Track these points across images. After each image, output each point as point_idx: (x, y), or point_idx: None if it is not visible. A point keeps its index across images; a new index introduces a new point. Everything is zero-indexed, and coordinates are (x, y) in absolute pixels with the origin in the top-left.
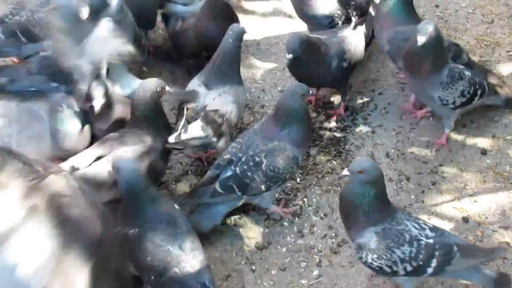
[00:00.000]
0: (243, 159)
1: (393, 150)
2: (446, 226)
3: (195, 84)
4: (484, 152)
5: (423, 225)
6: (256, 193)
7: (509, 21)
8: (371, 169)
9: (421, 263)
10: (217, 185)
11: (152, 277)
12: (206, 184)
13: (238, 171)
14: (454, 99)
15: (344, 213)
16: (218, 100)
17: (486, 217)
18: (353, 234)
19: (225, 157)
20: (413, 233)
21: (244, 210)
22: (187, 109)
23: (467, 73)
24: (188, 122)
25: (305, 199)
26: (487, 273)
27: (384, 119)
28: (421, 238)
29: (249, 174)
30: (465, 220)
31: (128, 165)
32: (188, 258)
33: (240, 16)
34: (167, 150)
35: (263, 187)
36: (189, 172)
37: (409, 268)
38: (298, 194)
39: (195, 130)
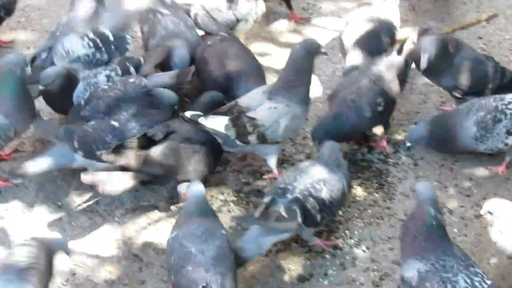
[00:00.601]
0: (302, 187)
1: (435, 183)
2: (490, 261)
3: (260, 89)
4: None
5: (478, 284)
6: (314, 223)
7: None
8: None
9: None
10: (281, 209)
11: (172, 277)
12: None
13: (300, 197)
14: None
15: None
16: (265, 111)
17: None
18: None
19: (281, 185)
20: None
21: (286, 241)
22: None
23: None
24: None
25: (347, 232)
26: None
27: (426, 152)
28: None
29: (311, 199)
30: (511, 257)
31: (198, 187)
32: (207, 262)
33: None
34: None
35: (319, 217)
36: (231, 203)
37: None
38: (340, 226)
39: (217, 124)
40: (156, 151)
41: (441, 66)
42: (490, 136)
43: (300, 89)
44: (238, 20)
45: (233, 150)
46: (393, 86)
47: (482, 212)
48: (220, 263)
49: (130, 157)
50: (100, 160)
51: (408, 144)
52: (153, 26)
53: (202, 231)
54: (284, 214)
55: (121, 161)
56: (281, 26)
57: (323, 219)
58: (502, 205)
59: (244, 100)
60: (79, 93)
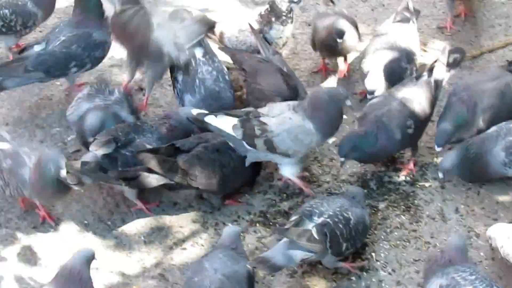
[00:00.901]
0: (331, 212)
1: (462, 206)
2: None
3: (289, 103)
4: None
5: None
6: (338, 250)
7: None
8: None
9: None
10: (313, 230)
11: None
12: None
13: (331, 222)
14: None
15: None
16: (278, 119)
17: None
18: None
19: (309, 208)
20: None
21: (312, 262)
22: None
23: None
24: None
25: (373, 254)
26: None
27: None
28: None
29: (340, 226)
30: None
31: (234, 228)
32: (215, 278)
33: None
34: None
35: (344, 246)
36: (257, 224)
37: None
38: (366, 248)
39: (224, 124)
40: (181, 159)
41: None
42: None
43: (324, 119)
44: (268, 43)
45: (244, 153)
46: (423, 108)
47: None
48: (230, 284)
49: (156, 162)
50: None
51: (441, 176)
52: (189, 77)
53: (225, 255)
54: (315, 235)
55: (149, 163)
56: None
57: (347, 250)
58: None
59: (266, 108)
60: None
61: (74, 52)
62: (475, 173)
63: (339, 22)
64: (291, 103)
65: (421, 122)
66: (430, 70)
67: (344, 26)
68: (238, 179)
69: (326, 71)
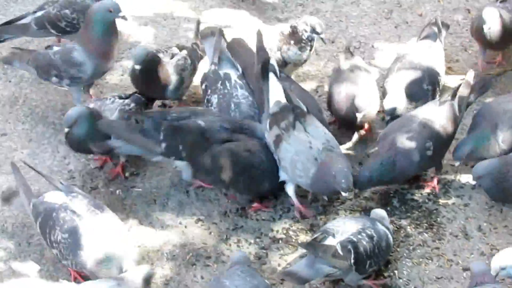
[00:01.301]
0: (354, 230)
1: (485, 224)
2: None
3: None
4: None
5: None
6: (362, 268)
7: None
8: None
9: None
10: (338, 246)
11: None
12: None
13: (355, 239)
14: None
15: None
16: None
17: None
18: None
19: (331, 226)
20: None
21: (335, 280)
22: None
23: None
24: None
25: (395, 271)
26: None
27: (476, 192)
28: None
29: (364, 243)
30: None
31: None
32: None
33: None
34: None
35: (368, 263)
36: (280, 241)
37: None
38: (389, 266)
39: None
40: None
41: None
42: None
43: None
44: (286, 63)
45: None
46: (445, 130)
47: (493, 272)
48: None
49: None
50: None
51: (473, 183)
52: (223, 98)
53: (243, 271)
54: (340, 251)
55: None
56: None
57: (370, 267)
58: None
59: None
60: None
61: (54, 62)
62: (506, 191)
63: (358, 96)
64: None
65: (441, 144)
66: (454, 94)
67: (364, 100)
68: (265, 184)
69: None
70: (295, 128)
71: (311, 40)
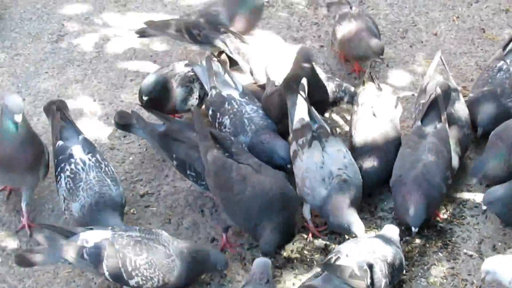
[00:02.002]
0: (368, 250)
1: (500, 244)
2: None
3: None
4: None
5: None
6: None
7: None
8: None
9: None
10: (354, 266)
11: None
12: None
13: (370, 259)
14: None
15: None
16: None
17: None
18: None
19: (345, 246)
20: None
21: None
22: None
23: None
24: None
25: None
26: None
27: (491, 212)
28: None
29: (379, 262)
30: None
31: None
32: None
33: None
34: None
35: (383, 282)
36: (295, 261)
37: None
38: (403, 285)
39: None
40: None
41: None
42: None
43: None
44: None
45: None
46: (452, 155)
47: (482, 275)
48: None
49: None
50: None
51: (484, 208)
52: (235, 118)
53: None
54: (356, 272)
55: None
56: None
57: (386, 286)
58: (496, 262)
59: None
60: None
61: None
62: None
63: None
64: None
65: (453, 171)
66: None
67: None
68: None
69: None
70: (311, 146)
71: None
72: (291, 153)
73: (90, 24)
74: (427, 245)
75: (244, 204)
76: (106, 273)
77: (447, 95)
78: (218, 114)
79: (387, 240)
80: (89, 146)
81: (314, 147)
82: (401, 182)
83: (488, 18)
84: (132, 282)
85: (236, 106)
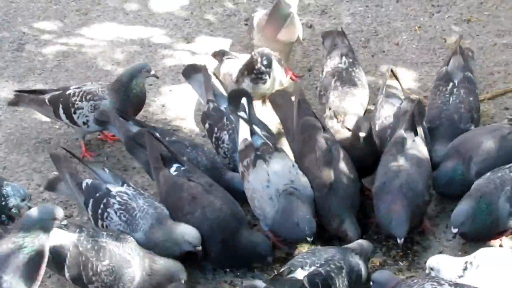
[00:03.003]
0: (323, 261)
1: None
2: None
3: None
4: None
5: (444, 282)
6: None
7: None
8: None
9: None
10: (305, 280)
11: None
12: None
13: (322, 271)
14: None
15: None
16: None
17: None
18: None
19: (300, 258)
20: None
21: None
22: None
23: None
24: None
25: None
26: None
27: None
28: None
29: (332, 275)
30: None
31: None
32: None
33: None
34: None
35: None
36: (255, 270)
37: None
38: None
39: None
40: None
41: None
42: None
43: None
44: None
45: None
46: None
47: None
48: None
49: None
50: None
51: (455, 231)
52: (234, 133)
53: None
54: (307, 285)
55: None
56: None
57: None
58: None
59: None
60: None
61: None
62: (489, 228)
63: None
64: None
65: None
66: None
67: None
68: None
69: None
70: (255, 165)
71: (263, 73)
72: (241, 175)
73: (51, 32)
74: (388, 255)
75: (194, 225)
76: (67, 275)
77: (423, 110)
78: (216, 128)
79: (347, 251)
80: (117, 177)
81: (259, 166)
82: (384, 190)
83: (449, 28)
84: (91, 287)
85: (234, 122)
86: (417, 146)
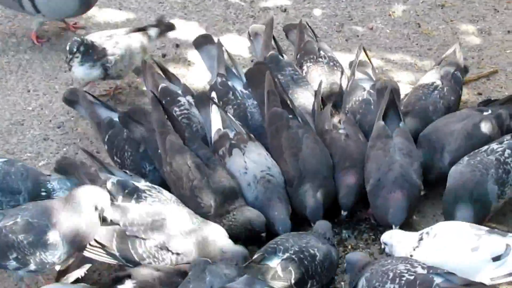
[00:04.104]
0: (296, 249)
1: None
2: None
3: None
4: None
5: (416, 264)
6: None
7: None
8: None
9: None
10: (278, 267)
11: None
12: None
13: (296, 258)
14: None
15: None
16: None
17: None
18: None
19: (273, 244)
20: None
21: None
22: None
23: None
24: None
25: (342, 283)
26: None
27: (423, 206)
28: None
29: (305, 263)
30: None
31: None
32: None
33: None
34: None
35: (309, 283)
36: None
37: None
38: (336, 278)
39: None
40: None
41: None
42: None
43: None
44: None
45: None
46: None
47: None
48: None
49: None
50: None
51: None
52: (239, 109)
53: None
54: (280, 273)
55: None
56: None
57: (312, 287)
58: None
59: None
60: None
61: None
62: (484, 215)
63: None
64: None
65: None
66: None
67: None
68: None
69: None
70: (231, 154)
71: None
72: None
73: (24, 14)
74: (359, 238)
75: (200, 192)
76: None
77: (398, 94)
78: (221, 102)
79: (319, 237)
80: (135, 176)
81: (235, 154)
82: (379, 186)
83: (424, 13)
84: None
85: (240, 98)
86: (403, 134)
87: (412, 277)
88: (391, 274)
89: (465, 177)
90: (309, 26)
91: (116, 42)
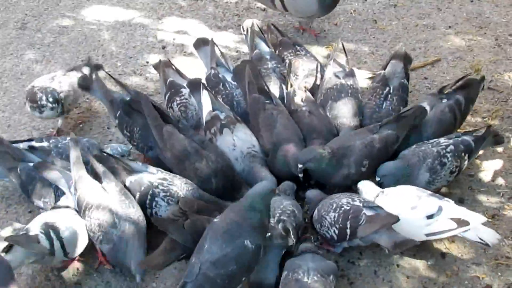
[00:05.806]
0: (280, 211)
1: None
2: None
3: None
4: (461, 200)
5: (357, 199)
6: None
7: None
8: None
9: (341, 225)
10: (280, 228)
11: None
12: None
13: (286, 218)
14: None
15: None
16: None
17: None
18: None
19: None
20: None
21: None
22: None
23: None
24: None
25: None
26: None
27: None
28: (343, 205)
29: (292, 218)
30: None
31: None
32: None
33: None
34: None
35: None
36: None
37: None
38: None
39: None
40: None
41: None
42: (439, 178)
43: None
44: None
45: None
46: (382, 154)
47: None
48: None
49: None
50: None
51: (378, 179)
52: (227, 98)
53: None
54: (283, 232)
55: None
56: None
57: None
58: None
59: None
60: None
61: None
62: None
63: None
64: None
65: (375, 165)
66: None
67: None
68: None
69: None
70: (222, 133)
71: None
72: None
73: (48, 14)
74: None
75: (201, 171)
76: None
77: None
78: (213, 92)
79: (286, 197)
80: (149, 166)
81: (225, 133)
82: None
83: (379, 12)
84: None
85: (228, 88)
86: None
87: (348, 207)
88: (334, 205)
89: (406, 158)
90: (275, 27)
91: (60, 82)
